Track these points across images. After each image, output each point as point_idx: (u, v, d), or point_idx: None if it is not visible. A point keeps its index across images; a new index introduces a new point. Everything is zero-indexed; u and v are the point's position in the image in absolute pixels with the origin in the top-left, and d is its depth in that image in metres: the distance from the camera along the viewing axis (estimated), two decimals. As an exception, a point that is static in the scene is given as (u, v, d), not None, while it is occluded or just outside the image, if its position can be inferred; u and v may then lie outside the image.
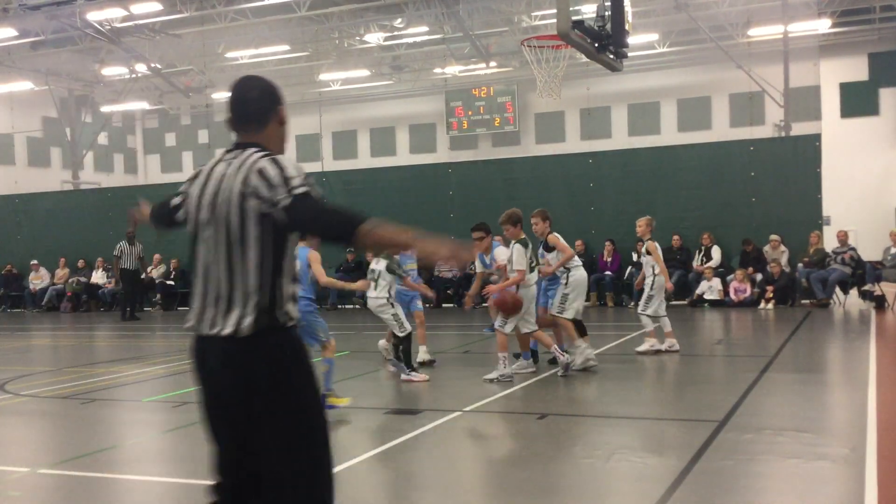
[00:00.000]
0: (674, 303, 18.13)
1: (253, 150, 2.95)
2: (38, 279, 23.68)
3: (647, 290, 10.78)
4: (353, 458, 6.05)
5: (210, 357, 2.91)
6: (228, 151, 3.01)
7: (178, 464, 6.43)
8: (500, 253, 9.64)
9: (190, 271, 3.10)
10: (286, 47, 28.38)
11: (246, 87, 3.06)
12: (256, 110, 3.03)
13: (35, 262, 23.59)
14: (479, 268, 10.15)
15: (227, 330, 2.85)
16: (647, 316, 10.76)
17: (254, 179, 2.86)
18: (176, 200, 3.25)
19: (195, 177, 3.09)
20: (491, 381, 8.99)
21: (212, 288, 2.92)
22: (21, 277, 24.36)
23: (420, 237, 2.86)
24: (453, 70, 30.29)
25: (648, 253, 10.80)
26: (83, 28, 24.46)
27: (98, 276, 22.74)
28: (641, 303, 10.91)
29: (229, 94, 3.07)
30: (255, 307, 2.85)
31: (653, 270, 10.73)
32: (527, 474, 5.68)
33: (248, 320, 2.84)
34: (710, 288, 17.82)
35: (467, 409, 7.72)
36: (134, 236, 19.98)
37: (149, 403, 8.86)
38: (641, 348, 10.82)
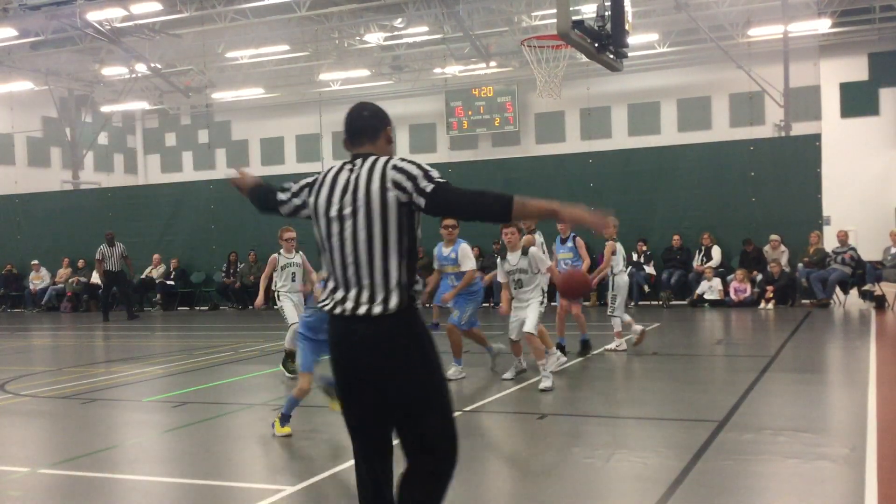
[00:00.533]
0: (674, 302, 18.16)
1: (374, 156, 3.44)
2: (39, 279, 23.68)
3: (610, 290, 11.11)
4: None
5: (358, 334, 3.31)
6: (346, 163, 3.49)
7: (178, 464, 6.43)
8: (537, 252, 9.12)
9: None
10: (286, 47, 28.39)
11: (360, 108, 3.61)
12: (369, 126, 3.55)
13: (36, 261, 23.59)
14: (437, 264, 9.71)
15: (377, 309, 3.28)
16: (616, 316, 11.08)
17: (393, 174, 3.32)
18: (282, 196, 3.67)
19: (312, 183, 3.54)
20: (547, 389, 8.42)
21: (353, 273, 3.33)
22: (21, 277, 24.37)
23: (565, 205, 3.32)
24: (453, 70, 30.31)
25: (613, 253, 10.97)
26: (83, 28, 24.46)
27: (98, 277, 22.74)
28: (609, 304, 11.20)
29: (348, 114, 3.59)
30: (397, 286, 3.30)
31: (612, 270, 11.04)
32: (526, 474, 5.69)
33: (395, 299, 3.28)
34: (710, 288, 17.83)
35: (467, 408, 7.72)
36: (113, 238, 20.03)
37: (149, 403, 8.86)
38: (613, 346, 11.21)
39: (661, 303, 18.22)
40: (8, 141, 32.96)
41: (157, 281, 22.33)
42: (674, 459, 5.77)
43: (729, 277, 17.84)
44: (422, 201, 3.28)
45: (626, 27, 11.75)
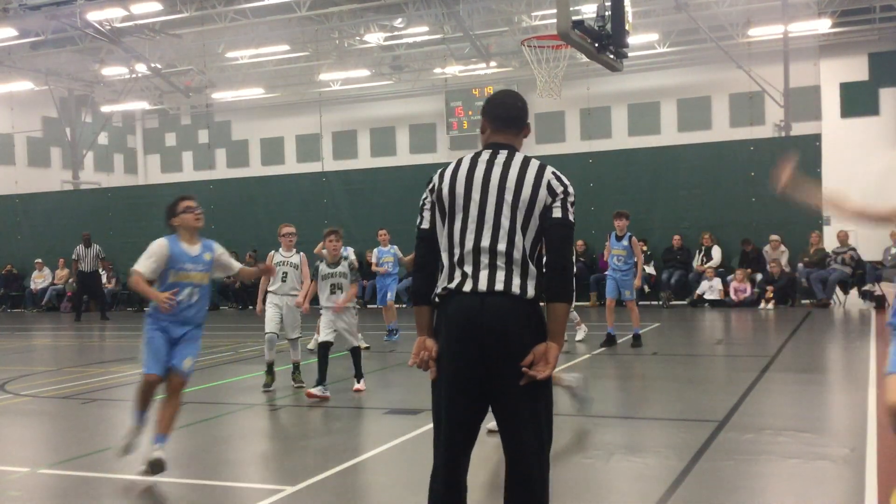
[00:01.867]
0: (674, 303, 18.16)
1: (521, 153, 3.51)
2: (41, 278, 23.69)
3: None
4: (355, 458, 6.06)
5: (487, 313, 3.30)
6: (487, 150, 3.49)
7: (178, 464, 6.42)
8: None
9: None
10: (286, 47, 28.40)
11: (514, 96, 3.63)
12: (520, 117, 3.58)
13: (39, 260, 23.59)
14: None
15: (516, 291, 3.31)
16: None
17: (548, 177, 3.41)
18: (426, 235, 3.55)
19: (444, 170, 3.52)
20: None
21: (485, 257, 3.35)
22: (21, 277, 24.37)
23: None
24: (453, 70, 30.31)
25: None
26: (83, 28, 24.46)
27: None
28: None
29: (497, 98, 3.59)
30: (530, 275, 3.35)
31: None
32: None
33: (531, 286, 3.34)
34: (710, 288, 17.83)
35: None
36: (90, 238, 20.22)
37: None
38: (579, 337, 12.11)
39: (661, 303, 18.23)
40: (8, 141, 32.95)
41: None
42: (674, 459, 5.77)
43: (729, 277, 17.84)
44: (546, 222, 3.37)
45: (626, 27, 11.76)
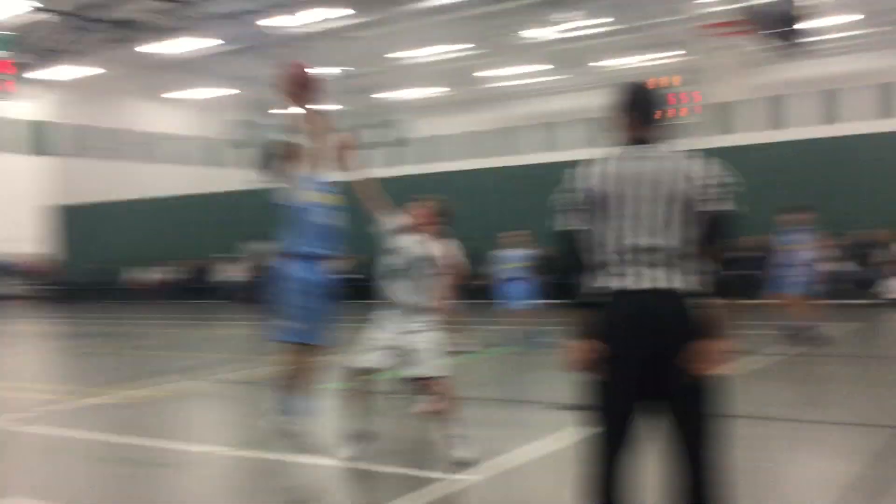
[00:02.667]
0: (850, 301, 17.01)
1: (669, 146, 3.46)
2: (229, 271, 25.25)
3: None
4: (515, 453, 6.11)
5: (651, 311, 3.29)
6: (632, 145, 3.45)
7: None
8: None
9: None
10: (453, 45, 28.81)
11: (654, 92, 3.58)
12: (661, 110, 3.52)
13: (226, 254, 25.13)
14: None
15: (679, 286, 3.30)
16: None
17: (703, 168, 3.36)
18: (578, 233, 3.48)
19: (589, 168, 3.46)
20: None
21: (644, 255, 3.33)
22: (211, 270, 26.08)
23: None
24: (621, 62, 29.72)
25: None
26: (266, 34, 25.85)
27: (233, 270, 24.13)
28: None
29: (634, 92, 3.52)
30: (691, 271, 3.33)
31: None
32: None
33: (693, 281, 3.31)
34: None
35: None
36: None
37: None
38: None
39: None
40: (197, 142, 35.39)
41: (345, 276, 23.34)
42: (855, 464, 5.47)
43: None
44: (701, 215, 3.33)
45: (808, 10, 11.16)
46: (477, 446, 5.69)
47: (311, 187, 5.84)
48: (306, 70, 5.95)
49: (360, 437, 5.96)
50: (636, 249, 3.33)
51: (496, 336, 12.90)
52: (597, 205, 3.40)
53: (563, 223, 3.49)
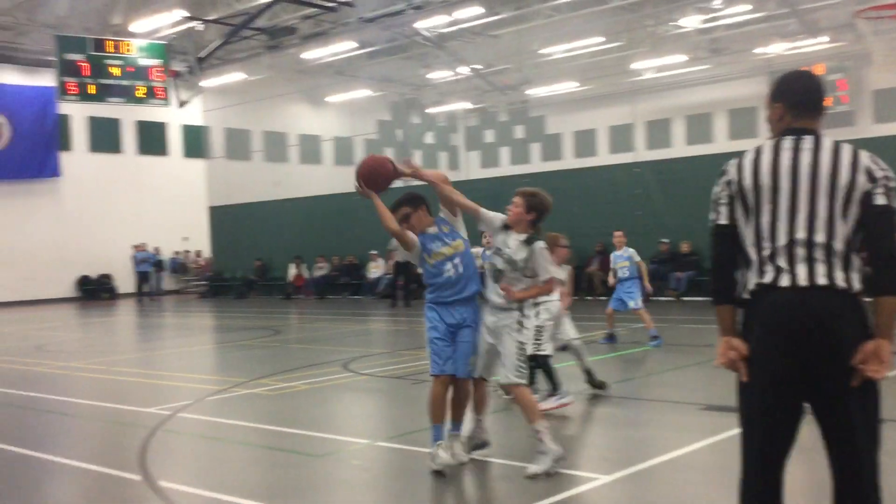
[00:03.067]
0: None
1: (828, 137, 3.29)
2: (377, 268, 25.93)
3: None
4: (669, 453, 5.97)
5: (809, 309, 3.10)
6: (788, 136, 3.28)
7: (497, 445, 6.76)
8: None
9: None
10: (600, 39, 28.43)
11: (814, 77, 3.42)
12: (822, 99, 3.38)
13: (374, 252, 25.83)
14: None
15: (840, 284, 3.11)
16: None
17: (865, 161, 3.20)
18: (725, 228, 3.38)
19: (742, 160, 3.35)
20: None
21: (802, 250, 3.15)
22: (360, 267, 26.85)
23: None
24: (777, 49, 28.43)
25: None
26: (412, 36, 26.37)
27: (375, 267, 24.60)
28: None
29: (793, 82, 3.38)
30: (852, 267, 3.15)
31: None
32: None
33: (855, 279, 3.14)
34: None
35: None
36: None
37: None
38: None
39: None
40: (349, 143, 36.53)
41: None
42: None
43: None
44: (867, 209, 3.15)
45: None
46: (549, 460, 5.46)
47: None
48: (383, 163, 6.23)
49: (476, 443, 6.04)
50: (793, 244, 3.16)
51: (620, 335, 12.63)
52: (749, 199, 3.26)
53: (715, 218, 3.37)
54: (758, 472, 3.24)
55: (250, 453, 6.80)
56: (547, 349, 7.52)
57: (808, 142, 3.25)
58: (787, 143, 3.27)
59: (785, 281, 3.13)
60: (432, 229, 6.06)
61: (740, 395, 3.28)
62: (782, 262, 3.17)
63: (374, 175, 6.21)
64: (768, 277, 3.17)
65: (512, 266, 5.67)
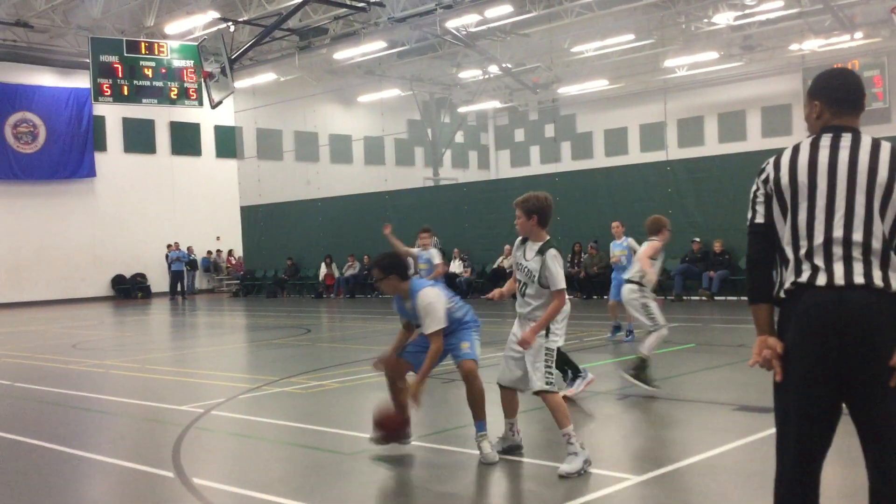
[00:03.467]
0: None
1: (867, 135, 3.29)
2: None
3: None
4: (701, 454, 5.93)
5: (847, 308, 3.07)
6: (826, 133, 3.28)
7: (530, 444, 6.76)
8: None
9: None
10: (631, 36, 28.27)
11: (853, 75, 3.43)
12: (862, 97, 3.39)
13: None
14: None
15: (879, 284, 3.08)
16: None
17: None
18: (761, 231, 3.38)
19: (780, 158, 3.35)
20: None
21: (839, 249, 3.13)
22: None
23: None
24: (812, 45, 28.10)
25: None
26: (442, 35, 26.39)
27: (455, 266, 24.41)
28: None
29: (833, 79, 3.38)
30: (892, 266, 3.12)
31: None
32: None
33: (894, 278, 3.10)
34: None
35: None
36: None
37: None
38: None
39: None
40: (379, 143, 36.66)
41: (506, 270, 23.50)
42: None
43: None
44: None
45: None
46: (580, 461, 5.48)
47: None
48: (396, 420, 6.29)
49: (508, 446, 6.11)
50: (830, 243, 3.13)
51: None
52: (786, 197, 3.24)
53: (752, 217, 3.36)
54: (793, 470, 3.21)
55: (282, 451, 6.85)
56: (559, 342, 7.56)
57: (846, 139, 3.23)
58: (826, 140, 3.25)
59: (821, 280, 3.10)
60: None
61: (776, 394, 3.26)
62: (819, 260, 3.13)
63: (388, 429, 6.31)
64: (805, 276, 3.15)
65: (530, 278, 5.67)
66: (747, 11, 25.86)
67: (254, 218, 30.92)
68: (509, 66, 31.45)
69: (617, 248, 12.64)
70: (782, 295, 3.23)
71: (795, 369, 3.15)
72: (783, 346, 3.18)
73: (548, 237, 5.73)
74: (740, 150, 26.02)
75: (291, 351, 13.63)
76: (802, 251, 3.18)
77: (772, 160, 3.34)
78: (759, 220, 3.33)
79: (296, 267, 29.57)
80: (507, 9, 24.13)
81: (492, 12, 24.37)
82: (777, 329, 3.23)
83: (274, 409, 8.48)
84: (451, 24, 25.61)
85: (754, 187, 3.38)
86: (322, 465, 6.20)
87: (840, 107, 3.31)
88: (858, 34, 26.64)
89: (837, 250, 3.11)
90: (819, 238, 3.15)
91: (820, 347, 3.08)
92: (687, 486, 5.35)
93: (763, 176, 3.34)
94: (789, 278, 3.20)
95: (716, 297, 19.74)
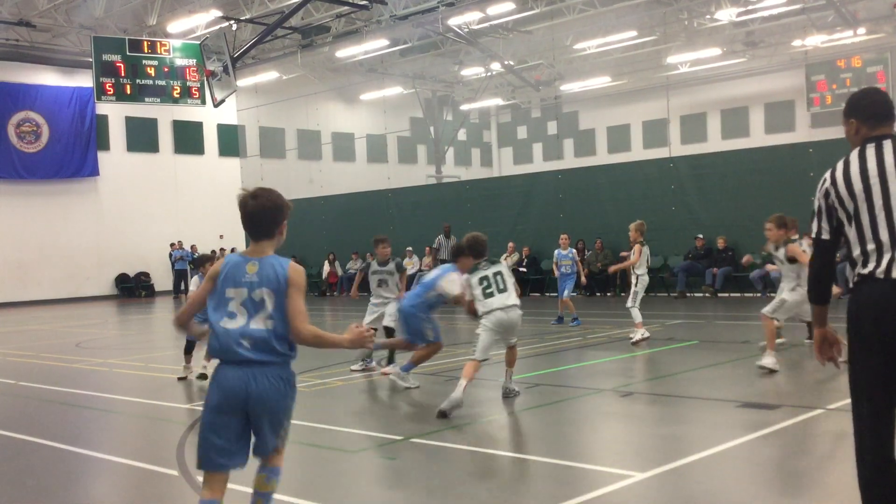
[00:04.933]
0: None
1: None
2: (410, 265, 25.98)
3: (633, 286, 11.96)
4: (704, 450, 5.94)
5: None
6: (869, 143, 3.68)
7: (530, 441, 6.75)
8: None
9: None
10: (633, 33, 28.23)
11: (883, 94, 3.87)
12: (892, 110, 3.78)
13: (409, 248, 25.91)
14: None
15: None
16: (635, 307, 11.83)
17: None
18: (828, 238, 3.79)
19: (835, 172, 3.73)
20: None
21: None
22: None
23: None
24: (814, 41, 28.03)
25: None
26: (444, 33, 26.37)
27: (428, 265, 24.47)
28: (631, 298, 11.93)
29: (864, 98, 3.82)
30: None
31: (635, 270, 11.86)
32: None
33: None
34: None
35: (831, 406, 7.17)
36: (450, 230, 21.47)
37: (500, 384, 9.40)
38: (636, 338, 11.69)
39: None
40: (382, 141, 36.64)
41: (511, 268, 23.50)
42: None
43: None
44: None
45: None
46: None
47: None
48: None
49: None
50: (892, 241, 3.51)
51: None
52: (847, 206, 3.63)
53: (818, 232, 3.75)
54: (872, 448, 3.57)
55: (286, 449, 6.86)
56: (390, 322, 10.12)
57: (888, 146, 3.64)
58: (870, 150, 3.65)
59: (880, 272, 3.49)
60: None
61: (849, 370, 3.67)
62: (880, 255, 3.52)
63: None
64: (867, 269, 3.56)
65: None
66: (750, 7, 25.81)
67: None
68: (511, 63, 31.42)
69: (563, 259, 15.23)
70: (850, 286, 3.67)
71: (858, 351, 3.58)
72: (851, 329, 3.61)
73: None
74: (743, 146, 26.01)
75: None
76: (868, 247, 3.56)
77: (828, 176, 3.71)
78: (825, 235, 3.74)
79: (301, 265, 29.60)
80: (510, 6, 24.11)
81: (494, 9, 24.35)
82: (847, 312, 3.63)
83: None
84: (454, 21, 25.59)
85: (816, 203, 3.75)
86: (326, 463, 6.21)
87: (874, 121, 3.73)
88: (861, 30, 26.58)
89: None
90: (882, 235, 3.52)
91: (876, 328, 3.48)
92: (691, 482, 5.35)
93: (823, 191, 3.71)
94: (857, 270, 3.61)
95: (719, 294, 19.72)
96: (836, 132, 28.31)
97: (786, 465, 5.69)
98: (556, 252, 15.63)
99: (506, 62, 30.94)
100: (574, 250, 15.81)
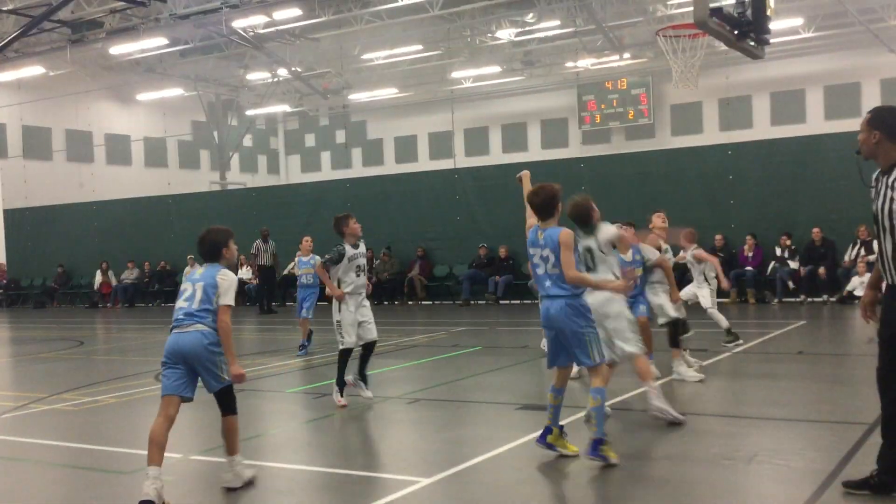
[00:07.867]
0: (820, 299, 17.31)
1: None
2: (189, 273, 24.97)
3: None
4: (488, 452, 6.11)
5: None
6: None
7: (318, 452, 6.67)
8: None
9: None
10: (419, 47, 28.85)
11: None
12: None
13: (191, 256, 24.84)
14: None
15: None
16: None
17: None
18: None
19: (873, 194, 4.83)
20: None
21: None
22: (175, 273, 25.77)
23: None
24: (585, 63, 29.97)
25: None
26: (228, 35, 25.63)
27: (243, 273, 23.75)
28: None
29: (891, 114, 4.75)
30: None
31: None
32: (662, 473, 5.58)
33: None
34: (861, 284, 16.87)
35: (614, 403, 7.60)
36: (268, 235, 21.04)
37: (292, 394, 9.21)
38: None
39: (801, 300, 17.41)
40: (161, 144, 34.97)
41: (296, 277, 23.12)
42: (820, 462, 5.52)
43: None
44: None
45: (768, 12, 11.28)
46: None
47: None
48: None
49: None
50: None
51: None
52: (886, 222, 4.45)
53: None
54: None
55: (53, 473, 6.34)
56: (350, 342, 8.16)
57: None
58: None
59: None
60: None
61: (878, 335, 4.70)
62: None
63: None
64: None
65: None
66: (527, 28, 27.16)
67: (19, 222, 28.54)
68: (299, 69, 31.09)
69: (303, 266, 13.02)
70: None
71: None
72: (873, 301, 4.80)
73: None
74: (523, 160, 27.25)
75: (62, 365, 12.67)
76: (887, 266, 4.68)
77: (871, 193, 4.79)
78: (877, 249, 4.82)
79: (67, 275, 27.61)
80: (296, 12, 23.84)
81: (280, 14, 23.97)
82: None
83: (42, 429, 7.84)
84: (238, 23, 24.93)
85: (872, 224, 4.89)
86: (96, 486, 5.80)
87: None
88: (627, 55, 28.71)
89: None
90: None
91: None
92: (475, 484, 5.48)
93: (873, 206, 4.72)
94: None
95: (501, 301, 20.52)
96: (604, 149, 30.46)
97: (559, 462, 5.96)
98: (297, 259, 13.31)
99: (293, 69, 30.57)
100: (316, 257, 11.94)
